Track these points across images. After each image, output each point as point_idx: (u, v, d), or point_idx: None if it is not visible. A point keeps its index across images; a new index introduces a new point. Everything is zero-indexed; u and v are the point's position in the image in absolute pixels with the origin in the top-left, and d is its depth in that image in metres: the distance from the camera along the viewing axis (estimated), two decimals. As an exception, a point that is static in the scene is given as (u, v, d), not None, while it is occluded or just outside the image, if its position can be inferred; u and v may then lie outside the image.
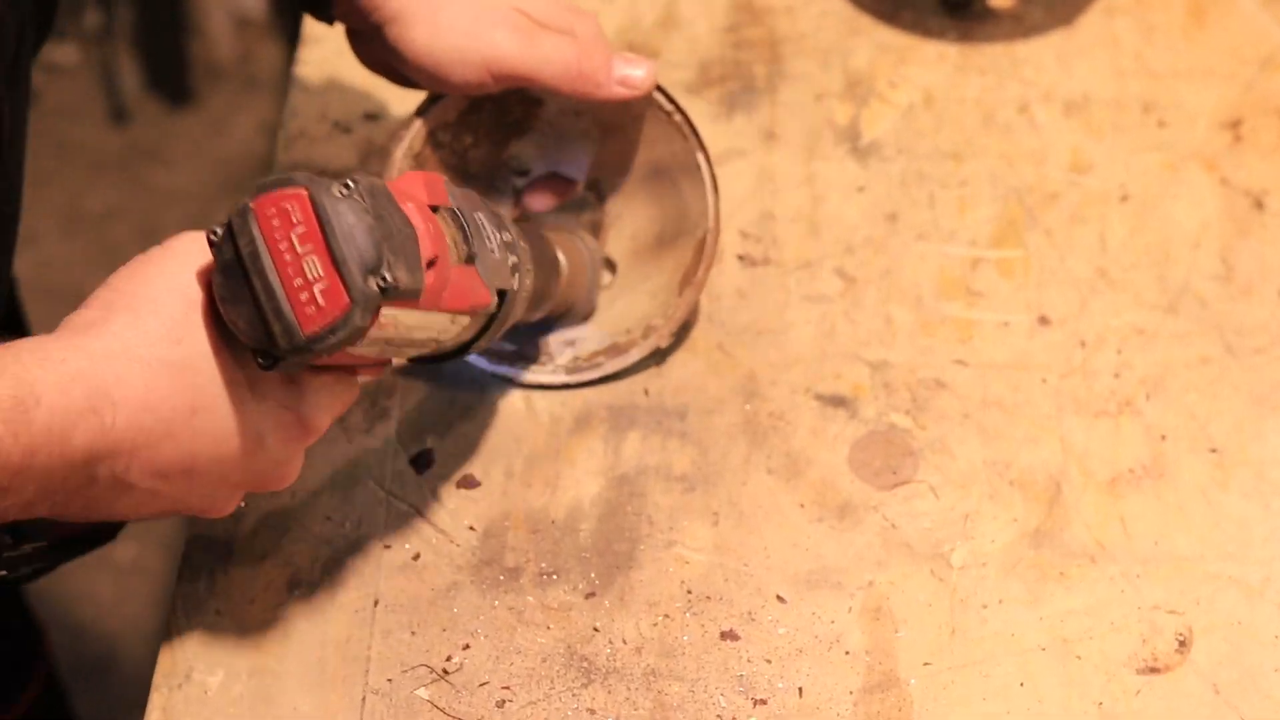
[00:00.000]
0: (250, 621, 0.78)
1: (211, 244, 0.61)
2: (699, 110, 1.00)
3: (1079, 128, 0.99)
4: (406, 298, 0.62)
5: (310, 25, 1.05)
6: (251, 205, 0.60)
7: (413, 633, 0.77)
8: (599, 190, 0.91)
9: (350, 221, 0.60)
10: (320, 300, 0.59)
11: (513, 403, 0.86)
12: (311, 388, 0.66)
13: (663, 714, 0.75)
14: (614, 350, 0.87)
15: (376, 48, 0.83)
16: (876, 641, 0.77)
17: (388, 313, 0.61)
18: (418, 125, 0.86)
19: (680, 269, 0.87)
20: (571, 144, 0.90)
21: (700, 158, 0.86)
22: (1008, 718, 0.74)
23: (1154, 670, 0.76)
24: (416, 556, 0.80)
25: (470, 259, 0.68)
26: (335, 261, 0.59)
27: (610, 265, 0.90)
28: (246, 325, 0.61)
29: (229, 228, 0.60)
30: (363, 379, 0.70)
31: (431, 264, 0.64)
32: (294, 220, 0.60)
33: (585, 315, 0.89)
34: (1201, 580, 0.79)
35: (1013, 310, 0.90)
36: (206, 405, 0.63)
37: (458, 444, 0.85)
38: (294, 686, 0.76)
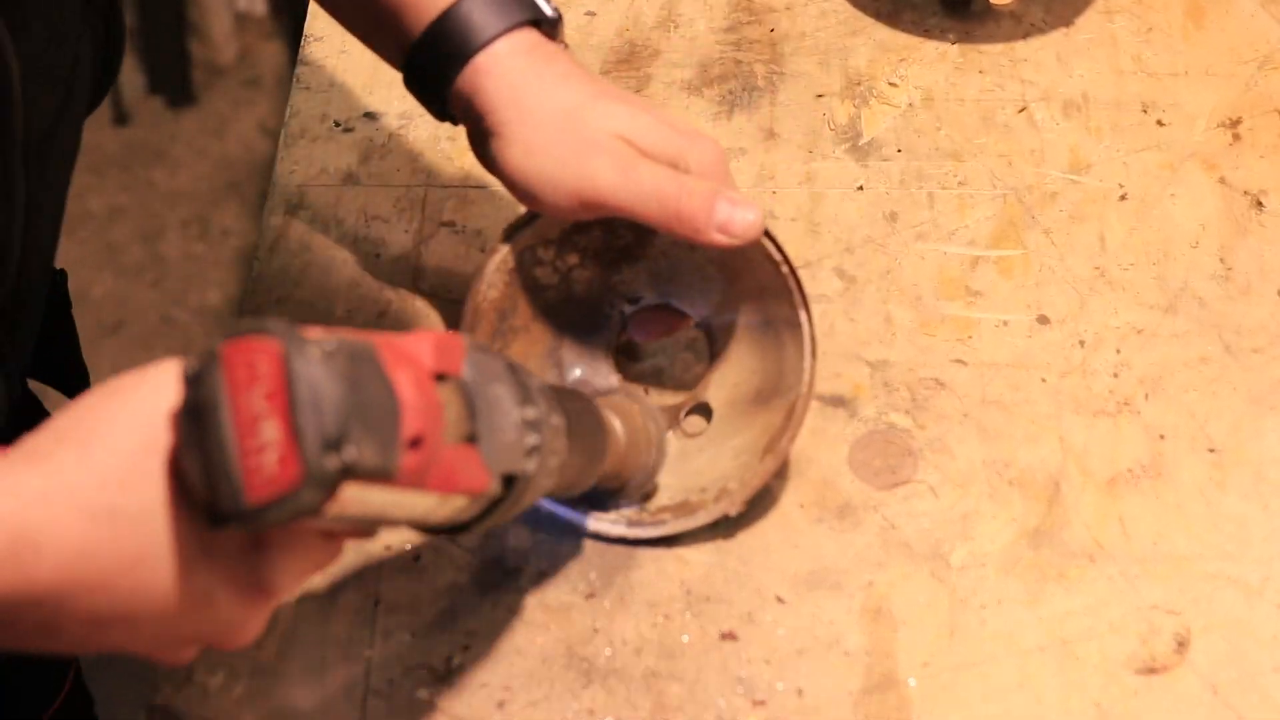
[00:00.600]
0: (251, 622, 0.78)
1: (186, 380, 0.56)
2: (699, 110, 1.00)
3: (1078, 127, 0.99)
4: (374, 477, 0.56)
5: (311, 25, 1.05)
6: (220, 351, 0.55)
7: (413, 633, 0.78)
8: (710, 330, 0.85)
9: (319, 388, 0.54)
10: (270, 469, 0.54)
11: (513, 403, 0.86)
12: (275, 547, 0.59)
13: (662, 715, 0.75)
14: (683, 509, 0.80)
15: (481, 147, 0.80)
16: (876, 642, 0.77)
17: (352, 491, 0.55)
18: (505, 249, 0.82)
19: (768, 432, 0.80)
20: (685, 277, 0.84)
21: (802, 316, 0.79)
22: (1007, 718, 0.74)
23: (1152, 671, 0.76)
24: (417, 557, 0.80)
25: (471, 438, 0.62)
26: (293, 430, 0.54)
27: (706, 411, 0.84)
28: (195, 477, 0.55)
29: (193, 373, 0.55)
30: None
31: (416, 443, 0.57)
32: (260, 375, 0.54)
33: (643, 494, 0.81)
34: (1200, 580, 0.79)
35: (1012, 310, 0.90)
36: (150, 559, 0.57)
37: (458, 444, 0.85)
38: (295, 687, 0.76)
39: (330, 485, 0.54)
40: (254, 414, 0.54)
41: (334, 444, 0.54)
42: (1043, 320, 0.90)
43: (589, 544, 0.81)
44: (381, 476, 0.56)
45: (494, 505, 0.65)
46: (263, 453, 0.54)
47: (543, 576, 0.80)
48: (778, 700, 0.75)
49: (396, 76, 1.01)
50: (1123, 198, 0.95)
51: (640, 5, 1.07)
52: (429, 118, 0.99)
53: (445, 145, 0.98)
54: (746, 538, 0.81)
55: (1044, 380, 0.87)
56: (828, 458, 0.84)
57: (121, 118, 2.25)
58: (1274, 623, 0.77)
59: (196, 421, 0.55)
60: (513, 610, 0.78)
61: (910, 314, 0.90)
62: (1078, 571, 0.79)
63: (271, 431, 0.54)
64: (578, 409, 0.73)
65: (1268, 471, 0.83)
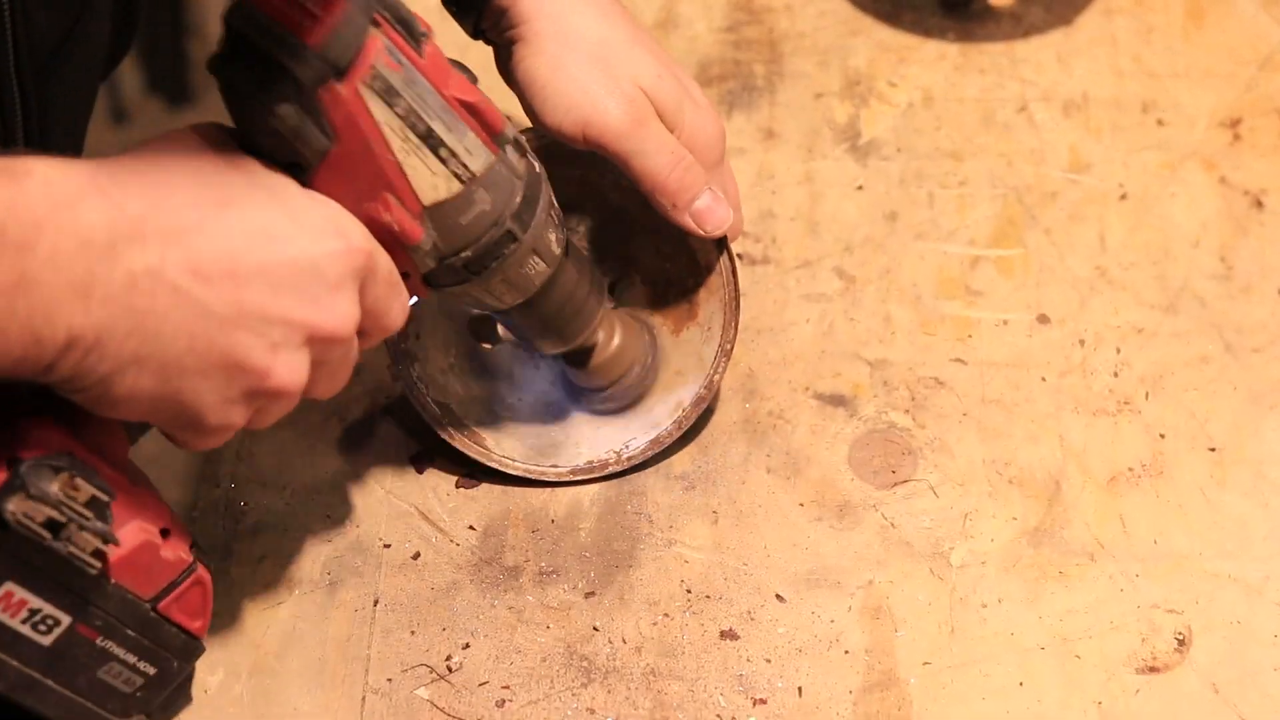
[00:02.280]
0: (250, 621, 0.78)
1: (217, 57, 0.62)
2: (698, 110, 1.00)
3: (1078, 127, 0.99)
4: (405, 31, 0.62)
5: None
6: None
7: (412, 632, 0.77)
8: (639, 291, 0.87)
9: None
10: (315, 9, 0.59)
11: (512, 402, 0.86)
12: (334, 203, 0.64)
13: (662, 713, 0.75)
14: (587, 468, 0.84)
15: (506, 63, 0.82)
16: (876, 641, 0.77)
17: (394, 51, 0.62)
18: None
19: (673, 412, 0.84)
20: (636, 249, 0.86)
21: (719, 353, 0.82)
22: (1007, 717, 0.74)
23: (1153, 669, 0.76)
24: (416, 556, 0.80)
25: (472, 80, 0.68)
26: None
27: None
28: (255, 85, 0.61)
29: (225, 26, 0.61)
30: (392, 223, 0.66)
31: (425, 36, 0.64)
32: None
33: (635, 396, 0.84)
34: (1200, 579, 0.79)
35: (1012, 309, 0.90)
36: (236, 200, 0.60)
37: (457, 443, 0.85)
38: (294, 686, 0.76)
39: (368, 8, 0.60)
40: None
41: None
42: (1043, 319, 0.90)
43: (589, 543, 0.81)
44: (411, 35, 0.63)
45: (519, 196, 0.69)
46: (303, 5, 0.60)
47: (542, 575, 0.79)
48: (778, 699, 0.75)
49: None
50: (1123, 197, 0.95)
51: (640, 5, 1.07)
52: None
53: (445, 144, 0.98)
54: (746, 536, 0.81)
55: (1044, 379, 0.87)
56: (827, 457, 0.84)
57: (120, 118, 2.25)
58: (1275, 621, 0.77)
59: (237, 36, 0.61)
60: (513, 609, 0.78)
61: (910, 313, 0.90)
62: (1078, 570, 0.79)
63: None
64: (577, 247, 0.77)
65: (1268, 470, 0.83)
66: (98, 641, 0.65)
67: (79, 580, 0.63)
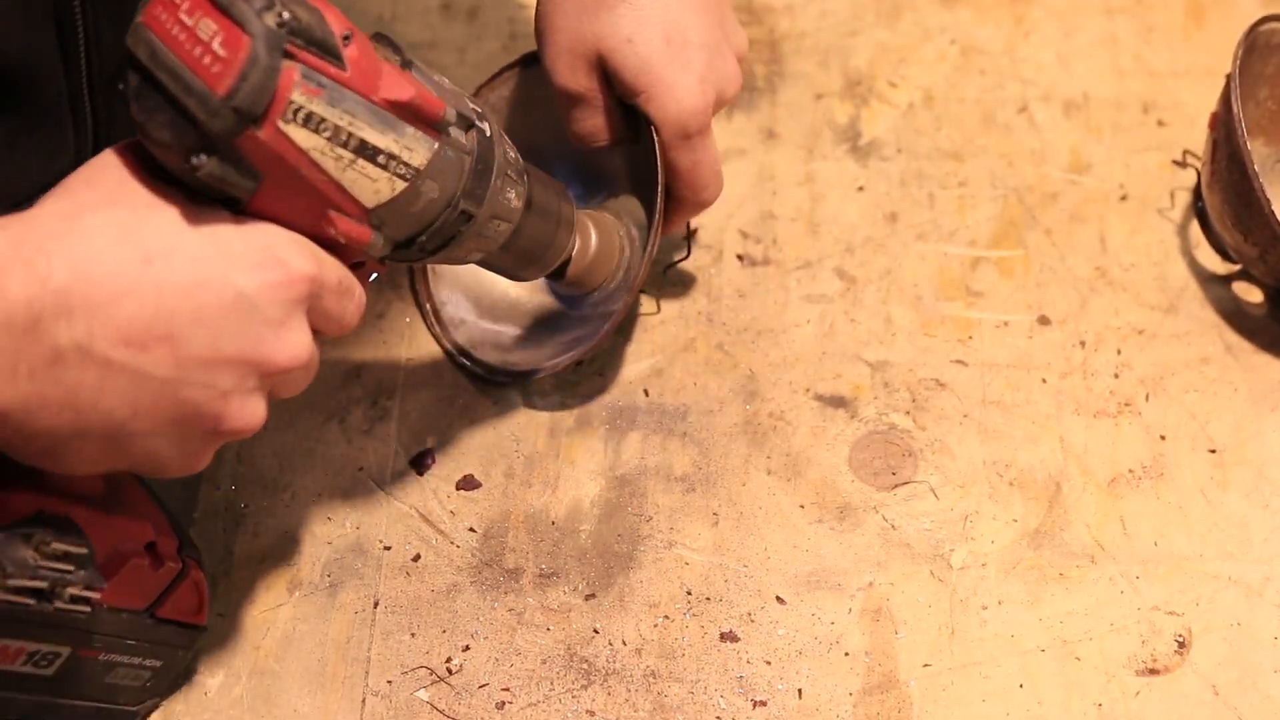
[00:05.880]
0: (250, 622, 0.78)
1: (120, 89, 0.57)
2: (699, 110, 1.00)
3: (1079, 127, 0.99)
4: (321, 50, 0.57)
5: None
6: (139, 19, 0.57)
7: (413, 634, 0.77)
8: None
9: None
10: (221, 52, 0.55)
11: (513, 403, 0.86)
12: (272, 227, 0.60)
13: (662, 715, 0.75)
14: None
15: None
16: (876, 643, 0.77)
17: (312, 75, 0.57)
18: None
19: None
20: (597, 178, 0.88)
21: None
22: (1007, 719, 0.74)
23: (1153, 671, 0.76)
24: (416, 557, 0.80)
25: (406, 65, 0.63)
26: (221, 7, 0.55)
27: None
28: (167, 131, 0.56)
29: (127, 53, 0.56)
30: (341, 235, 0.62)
31: (347, 39, 0.58)
32: (179, 2, 0.56)
33: (622, 290, 0.84)
34: (1201, 580, 0.79)
35: (1012, 310, 0.90)
36: (160, 251, 0.56)
37: (458, 444, 0.85)
38: (294, 688, 0.76)
39: (278, 44, 0.55)
40: (185, 27, 0.55)
41: (267, 6, 0.55)
42: (1043, 321, 0.89)
43: (589, 544, 0.81)
44: (326, 52, 0.57)
45: (468, 172, 0.66)
46: (209, 47, 0.55)
47: (542, 577, 0.79)
48: (778, 700, 0.75)
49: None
50: (1123, 198, 0.95)
51: (640, 5, 1.07)
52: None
53: (445, 145, 0.98)
54: (746, 538, 0.81)
55: (1044, 381, 0.87)
56: (828, 458, 0.84)
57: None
58: (1275, 623, 0.77)
59: (148, 83, 0.56)
60: (513, 611, 0.78)
61: (911, 314, 0.90)
62: (1078, 572, 0.79)
63: (207, 27, 0.55)
64: (543, 175, 0.76)
65: (1268, 471, 0.83)
66: (100, 658, 0.65)
67: (72, 619, 0.62)
